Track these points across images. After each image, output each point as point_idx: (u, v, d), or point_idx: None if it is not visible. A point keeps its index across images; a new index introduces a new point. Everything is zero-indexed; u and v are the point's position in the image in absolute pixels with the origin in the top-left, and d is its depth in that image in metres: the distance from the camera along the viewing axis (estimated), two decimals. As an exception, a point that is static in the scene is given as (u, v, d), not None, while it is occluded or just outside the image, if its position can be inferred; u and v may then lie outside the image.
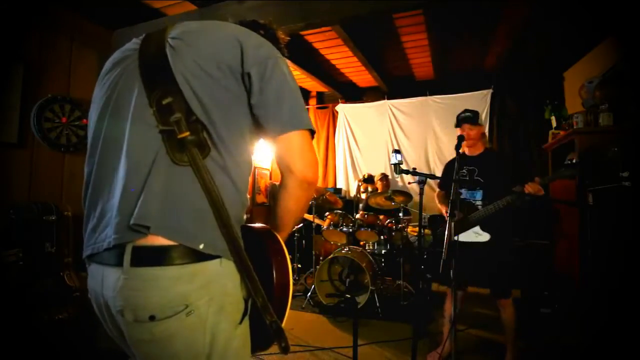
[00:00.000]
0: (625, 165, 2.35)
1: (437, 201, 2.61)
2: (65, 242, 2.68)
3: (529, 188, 2.01)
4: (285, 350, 0.79)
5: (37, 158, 2.91)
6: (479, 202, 2.24)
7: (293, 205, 0.90)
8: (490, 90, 4.86)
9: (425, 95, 5.23)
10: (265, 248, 0.87)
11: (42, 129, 2.87)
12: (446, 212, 2.35)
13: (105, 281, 0.75)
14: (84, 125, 3.17)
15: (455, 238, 2.23)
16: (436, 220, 2.58)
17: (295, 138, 0.83)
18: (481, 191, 2.25)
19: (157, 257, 0.71)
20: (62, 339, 2.37)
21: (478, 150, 2.34)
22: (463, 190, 2.33)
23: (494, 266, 2.19)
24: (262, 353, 2.28)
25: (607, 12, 3.09)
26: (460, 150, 2.44)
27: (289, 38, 1.10)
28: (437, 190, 2.64)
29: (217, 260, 0.76)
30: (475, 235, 2.20)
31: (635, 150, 2.36)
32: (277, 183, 5.91)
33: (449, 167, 2.53)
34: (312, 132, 0.86)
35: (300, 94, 0.87)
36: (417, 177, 2.10)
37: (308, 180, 0.85)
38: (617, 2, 2.89)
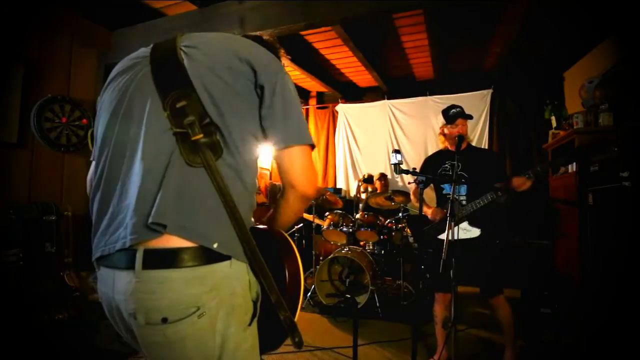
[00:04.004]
0: (625, 165, 2.35)
1: (413, 199, 2.58)
2: (65, 242, 2.68)
3: (515, 181, 2.02)
4: (298, 345, 0.83)
5: (37, 158, 2.91)
6: (463, 197, 2.23)
7: (293, 215, 0.98)
8: (490, 90, 4.86)
9: (425, 95, 5.23)
10: (275, 247, 0.91)
11: (42, 129, 2.87)
12: (432, 213, 2.32)
13: (117, 285, 0.76)
14: (84, 125, 3.18)
15: (441, 236, 2.24)
16: (416, 221, 2.55)
17: (298, 153, 0.87)
18: (465, 186, 2.23)
19: (169, 259, 0.73)
20: (62, 339, 2.37)
21: (462, 145, 2.29)
22: (446, 185, 2.31)
23: (482, 263, 2.18)
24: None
25: (607, 12, 3.09)
26: (443, 147, 2.44)
27: (289, 57, 1.17)
28: (414, 186, 2.49)
29: (227, 262, 0.77)
30: (464, 231, 2.18)
31: (635, 150, 2.36)
32: (277, 183, 5.92)
33: (429, 162, 2.47)
34: (313, 147, 0.92)
35: (301, 108, 0.92)
36: (417, 177, 2.09)
37: (308, 196, 0.93)
38: (617, 2, 2.89)
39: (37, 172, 2.90)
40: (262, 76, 0.84)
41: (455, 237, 2.02)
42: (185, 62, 0.82)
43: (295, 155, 0.87)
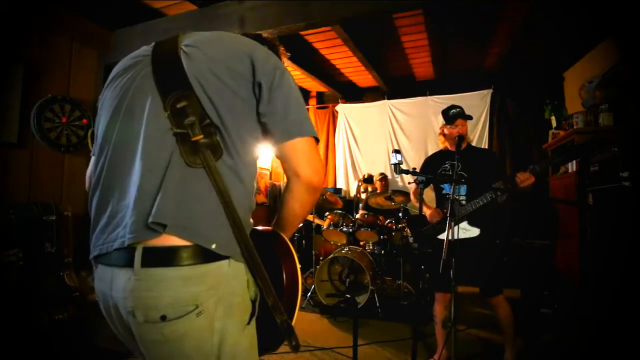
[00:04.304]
0: (625, 165, 2.35)
1: (413, 199, 2.59)
2: (65, 242, 2.68)
3: (520, 177, 1.99)
4: (295, 348, 0.81)
5: (37, 158, 2.91)
6: (462, 197, 2.22)
7: (299, 209, 0.93)
8: (490, 90, 4.86)
9: (425, 95, 5.23)
10: (273, 249, 0.90)
11: (42, 129, 2.87)
12: (430, 215, 2.32)
13: (115, 283, 0.76)
14: (83, 125, 3.18)
15: (441, 236, 2.24)
16: (416, 221, 2.55)
17: (302, 144, 0.86)
18: (465, 186, 2.23)
19: (168, 257, 0.72)
20: (62, 339, 2.37)
21: (462, 146, 2.29)
22: (446, 186, 2.31)
23: (482, 263, 2.17)
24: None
25: (607, 12, 3.09)
26: (443, 147, 2.44)
27: (289, 54, 1.15)
28: (414, 186, 2.48)
29: (225, 261, 0.77)
30: (464, 231, 2.18)
31: (635, 150, 2.36)
32: (277, 183, 5.91)
33: (429, 162, 2.47)
34: (317, 140, 0.90)
35: (304, 103, 0.91)
36: (416, 177, 2.09)
37: (314, 185, 0.88)
38: (617, 2, 2.89)
39: (37, 172, 2.90)
40: (260, 72, 0.84)
41: (455, 237, 2.01)
42: (185, 62, 0.82)
43: (299, 145, 0.86)
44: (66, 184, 3.09)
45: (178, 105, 0.78)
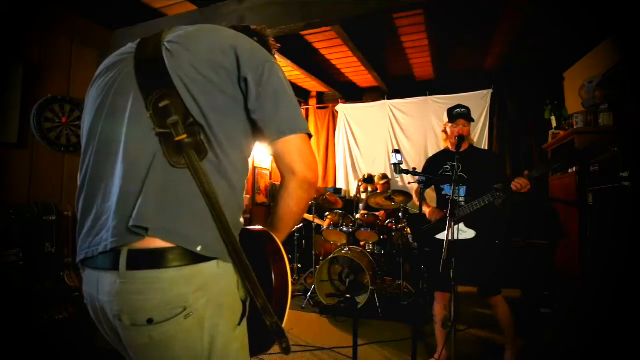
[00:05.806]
0: (625, 165, 2.35)
1: (415, 199, 2.60)
2: (65, 242, 2.68)
3: (516, 183, 1.98)
4: (286, 350, 0.79)
5: (37, 158, 2.91)
6: (462, 199, 2.23)
7: (294, 206, 0.90)
8: (490, 90, 4.86)
9: (425, 95, 5.23)
10: (263, 250, 0.87)
11: (42, 129, 2.87)
12: (429, 213, 2.33)
13: (101, 286, 0.75)
14: (84, 125, 3.18)
15: (439, 236, 2.25)
16: (416, 221, 2.56)
17: (296, 141, 0.84)
18: (465, 187, 2.23)
19: (154, 259, 0.71)
20: (62, 339, 2.37)
21: (463, 147, 2.29)
22: (446, 186, 2.31)
23: (479, 263, 2.18)
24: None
25: (607, 12, 3.09)
26: (445, 145, 2.44)
27: (279, 45, 1.12)
28: (416, 186, 2.52)
29: (214, 262, 0.75)
30: (461, 232, 2.18)
31: (635, 150, 2.36)
32: (277, 183, 5.91)
33: (431, 163, 2.48)
34: (310, 136, 0.88)
35: (295, 97, 0.88)
36: (417, 177, 2.09)
37: (309, 181, 0.86)
38: (617, 2, 2.89)
39: (37, 172, 2.89)
40: (246, 66, 0.81)
41: (454, 238, 2.02)
42: (167, 59, 0.79)
43: (292, 142, 0.83)
44: (66, 184, 3.09)
45: (160, 105, 0.76)
